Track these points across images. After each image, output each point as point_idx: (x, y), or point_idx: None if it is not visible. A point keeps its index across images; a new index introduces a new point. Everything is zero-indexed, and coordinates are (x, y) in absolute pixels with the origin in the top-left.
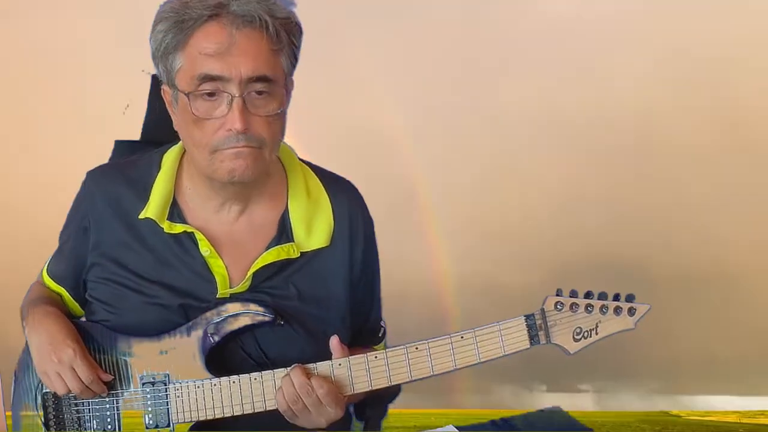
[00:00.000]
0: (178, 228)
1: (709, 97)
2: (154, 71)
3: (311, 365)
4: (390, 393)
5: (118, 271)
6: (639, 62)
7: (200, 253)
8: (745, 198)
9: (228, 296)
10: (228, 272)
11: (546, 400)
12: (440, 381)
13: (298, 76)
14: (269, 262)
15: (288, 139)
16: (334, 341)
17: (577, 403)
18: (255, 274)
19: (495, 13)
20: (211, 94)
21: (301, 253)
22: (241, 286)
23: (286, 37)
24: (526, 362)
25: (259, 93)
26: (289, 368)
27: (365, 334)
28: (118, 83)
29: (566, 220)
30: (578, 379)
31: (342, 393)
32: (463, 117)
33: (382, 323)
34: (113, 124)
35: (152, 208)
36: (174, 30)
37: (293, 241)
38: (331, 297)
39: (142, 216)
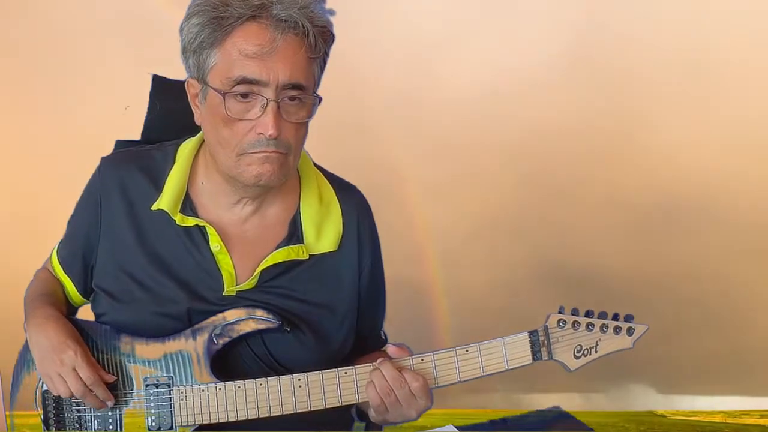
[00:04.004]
0: (191, 221)
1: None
2: (156, 73)
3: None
4: None
5: (126, 260)
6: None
7: (209, 248)
8: (730, 203)
9: (234, 293)
10: (235, 270)
11: (532, 399)
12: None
13: None
14: (278, 261)
15: None
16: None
17: (564, 402)
18: (262, 272)
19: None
20: (245, 95)
21: (309, 255)
22: (248, 284)
23: (322, 45)
24: None
25: (292, 99)
26: (375, 363)
27: (371, 344)
28: (118, 83)
29: (561, 221)
30: (564, 379)
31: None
32: (456, 116)
33: (383, 331)
34: (113, 124)
35: (165, 200)
36: (211, 26)
37: (303, 243)
38: (336, 301)
39: (155, 207)
